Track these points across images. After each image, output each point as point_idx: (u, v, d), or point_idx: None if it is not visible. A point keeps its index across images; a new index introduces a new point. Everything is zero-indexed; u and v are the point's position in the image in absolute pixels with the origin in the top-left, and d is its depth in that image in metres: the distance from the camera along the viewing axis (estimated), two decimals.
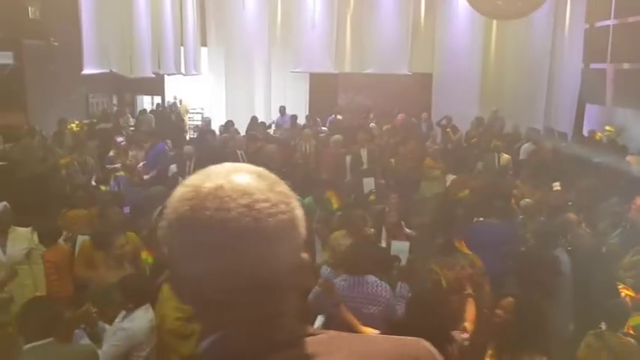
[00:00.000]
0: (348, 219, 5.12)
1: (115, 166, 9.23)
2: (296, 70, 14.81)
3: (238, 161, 8.11)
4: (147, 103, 18.44)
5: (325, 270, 4.06)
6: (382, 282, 3.85)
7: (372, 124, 13.73)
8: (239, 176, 0.88)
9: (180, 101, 17.72)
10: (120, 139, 9.80)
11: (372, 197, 8.46)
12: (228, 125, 12.02)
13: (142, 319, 3.45)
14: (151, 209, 6.17)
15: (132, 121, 15.37)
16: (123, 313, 3.53)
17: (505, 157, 9.16)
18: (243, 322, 0.85)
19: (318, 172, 9.55)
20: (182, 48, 14.13)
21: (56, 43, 13.04)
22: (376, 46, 14.42)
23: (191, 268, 0.84)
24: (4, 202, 4.94)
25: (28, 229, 5.29)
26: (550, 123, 13.97)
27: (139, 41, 12.36)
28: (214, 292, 0.84)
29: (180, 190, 0.89)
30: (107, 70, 11.83)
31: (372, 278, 3.82)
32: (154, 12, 12.77)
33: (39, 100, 12.93)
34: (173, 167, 9.67)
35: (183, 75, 14.48)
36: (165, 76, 16.04)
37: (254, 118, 13.58)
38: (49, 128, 11.87)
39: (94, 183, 9.17)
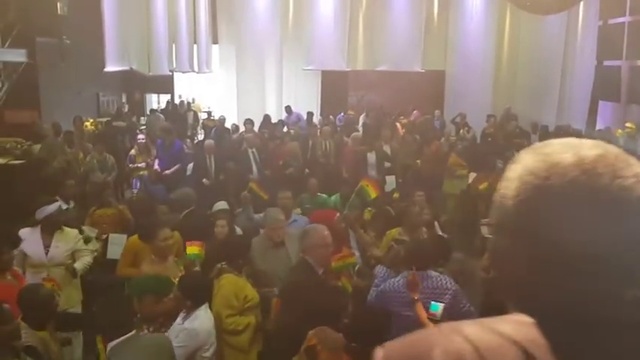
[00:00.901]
0: (405, 216, 5.04)
1: (139, 165, 9.14)
2: (308, 68, 14.75)
3: (250, 161, 8.00)
4: (154, 102, 18.41)
5: (381, 269, 3.99)
6: (444, 275, 3.80)
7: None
8: (611, 147, 0.88)
9: (193, 100, 17.62)
10: (141, 136, 9.70)
11: (395, 195, 8.41)
12: (246, 123, 11.93)
13: (203, 318, 3.40)
14: (179, 209, 6.11)
15: (142, 120, 15.38)
16: (183, 314, 3.48)
17: None
18: (585, 290, 0.83)
19: (338, 169, 9.52)
20: (195, 46, 14.07)
21: (68, 41, 12.97)
22: (389, 44, 14.38)
23: (572, 232, 0.82)
24: (59, 202, 4.85)
25: (76, 231, 5.23)
26: (563, 120, 13.94)
27: (156, 39, 12.33)
28: (586, 257, 0.82)
29: (550, 158, 0.86)
30: (128, 68, 11.76)
31: (433, 273, 3.78)
32: (170, 10, 12.73)
33: (51, 98, 12.87)
34: (190, 166, 9.66)
35: (197, 73, 14.40)
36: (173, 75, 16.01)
37: (267, 117, 13.54)
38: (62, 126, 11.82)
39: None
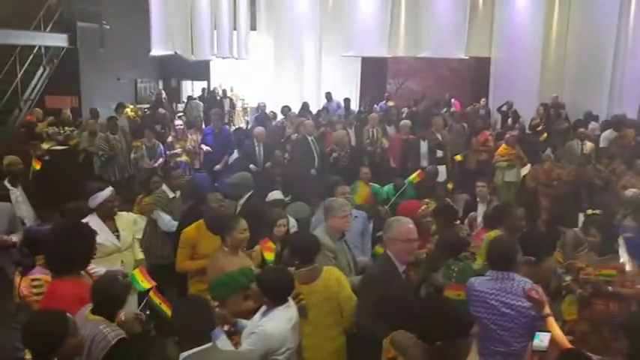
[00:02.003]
0: (508, 217, 4.63)
1: (176, 151, 8.92)
2: (347, 54, 14.39)
3: (309, 147, 7.69)
4: (189, 89, 18.26)
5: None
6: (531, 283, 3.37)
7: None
8: None
9: (232, 88, 17.32)
10: (178, 122, 9.46)
11: (449, 185, 8.09)
12: (285, 111, 11.68)
13: (280, 319, 3.09)
14: (236, 196, 5.79)
15: (179, 107, 15.29)
16: (263, 309, 3.23)
17: (589, 144, 8.68)
18: None
19: (386, 158, 9.23)
20: (235, 32, 13.86)
21: (108, 27, 12.88)
22: (432, 29, 13.90)
23: None
24: (110, 188, 4.65)
25: (132, 215, 5.06)
26: (613, 109, 13.35)
27: (199, 25, 12.13)
28: None
29: None
30: (172, 52, 11.62)
31: (518, 276, 3.39)
32: None
33: (91, 83, 12.83)
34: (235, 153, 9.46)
35: (236, 59, 14.19)
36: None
37: (305, 104, 13.26)
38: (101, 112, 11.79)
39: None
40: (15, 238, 4.67)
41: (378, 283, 3.46)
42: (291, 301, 3.20)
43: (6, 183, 5.77)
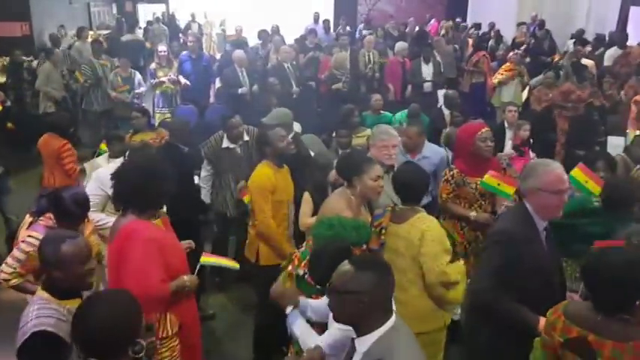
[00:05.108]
0: None
1: (162, 79, 8.05)
2: None
3: (286, 74, 6.95)
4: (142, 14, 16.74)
5: None
6: None
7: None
8: None
9: (206, 14, 15.70)
10: (162, 48, 8.49)
11: None
12: (264, 36, 10.79)
13: None
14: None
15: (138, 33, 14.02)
16: None
17: (589, 62, 8.43)
18: None
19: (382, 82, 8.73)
20: None
21: None
22: None
23: None
24: None
25: None
26: (590, 26, 13.17)
27: None
28: None
29: None
30: None
31: None
32: None
33: (41, 8, 11.50)
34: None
35: None
36: None
37: (275, 28, 12.37)
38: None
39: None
40: None
41: (508, 241, 2.59)
42: None
43: None
